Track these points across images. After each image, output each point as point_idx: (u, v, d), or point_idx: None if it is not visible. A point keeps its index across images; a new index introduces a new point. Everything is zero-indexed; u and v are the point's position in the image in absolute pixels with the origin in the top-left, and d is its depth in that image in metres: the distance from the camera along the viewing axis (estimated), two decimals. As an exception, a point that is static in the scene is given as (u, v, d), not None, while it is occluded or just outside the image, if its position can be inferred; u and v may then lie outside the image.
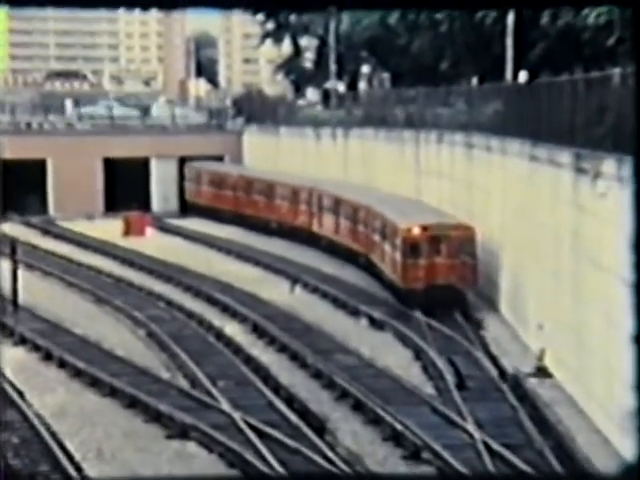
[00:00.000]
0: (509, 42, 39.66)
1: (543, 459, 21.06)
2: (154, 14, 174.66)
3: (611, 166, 22.34)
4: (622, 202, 21.71)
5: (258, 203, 52.48)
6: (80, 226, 55.29)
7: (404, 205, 39.36)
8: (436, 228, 33.72)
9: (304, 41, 72.04)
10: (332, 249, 43.72)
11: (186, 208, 61.07)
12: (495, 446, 21.56)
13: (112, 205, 60.05)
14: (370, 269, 38.80)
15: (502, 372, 27.02)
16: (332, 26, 59.11)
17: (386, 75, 62.88)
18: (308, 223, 47.15)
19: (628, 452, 20.70)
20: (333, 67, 59.05)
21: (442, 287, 32.95)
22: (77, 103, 75.55)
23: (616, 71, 23.15)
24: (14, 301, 34.41)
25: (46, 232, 54.10)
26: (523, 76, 36.57)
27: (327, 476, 18.37)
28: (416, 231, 33.75)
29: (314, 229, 46.44)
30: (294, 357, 28.89)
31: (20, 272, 35.82)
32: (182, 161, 62.37)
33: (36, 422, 23.59)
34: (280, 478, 19.83)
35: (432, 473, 20.26)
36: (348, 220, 41.90)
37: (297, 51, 72.57)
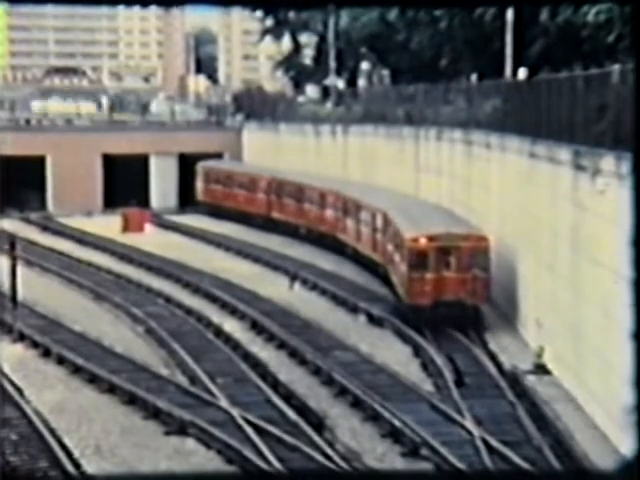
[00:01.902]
0: (508, 39, 39.61)
1: (542, 456, 21.08)
2: (154, 10, 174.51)
3: (610, 163, 22.33)
4: (621, 199, 21.70)
5: (288, 207, 49.31)
6: (79, 222, 55.26)
7: (421, 211, 36.01)
8: (445, 238, 30.64)
9: (304, 38, 71.96)
10: (356, 258, 40.70)
11: (185, 204, 60.86)
12: (494, 443, 21.58)
13: (111, 201, 60.02)
14: (387, 281, 35.53)
15: (501, 369, 27.00)
16: (331, 23, 59.07)
17: (385, 72, 62.83)
18: (334, 229, 43.98)
19: (626, 448, 20.71)
20: (332, 64, 59.01)
21: (451, 304, 30.00)
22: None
23: (615, 68, 23.12)
24: (13, 297, 34.39)
25: (45, 228, 54.08)
26: (522, 73, 36.51)
27: (326, 473, 18.36)
28: (423, 241, 30.73)
29: (339, 235, 43.25)
30: (293, 354, 28.89)
31: (19, 268, 35.80)
32: (182, 158, 62.25)
33: (35, 418, 23.58)
34: (279, 475, 19.80)
35: (431, 470, 20.23)
36: (368, 227, 38.85)
37: (297, 48, 72.49)
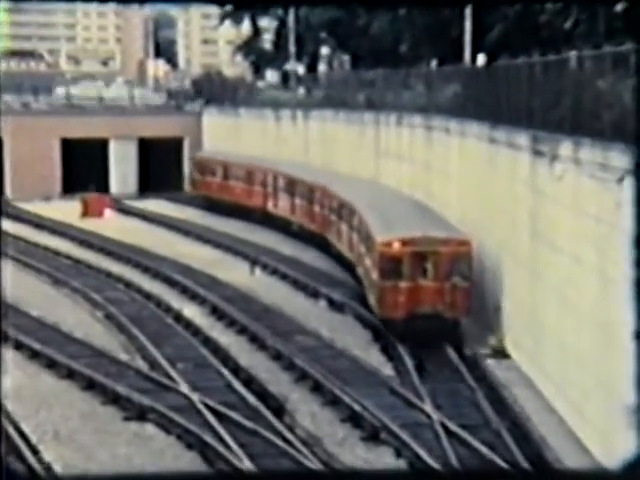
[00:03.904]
0: (467, 25, 39.73)
1: (500, 439, 21.29)
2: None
3: (568, 149, 22.52)
4: (579, 185, 21.91)
5: (281, 201, 45.95)
6: (37, 207, 54.82)
7: (398, 210, 32.83)
8: (421, 243, 27.57)
9: (263, 22, 71.76)
10: (339, 258, 37.34)
11: (145, 189, 60.44)
12: (452, 427, 21.75)
13: (70, 186, 59.56)
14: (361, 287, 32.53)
15: (461, 353, 27.17)
16: (291, 7, 58.91)
17: (346, 57, 62.84)
18: (321, 227, 40.50)
19: (581, 432, 20.98)
20: (293, 48, 58.89)
21: (427, 317, 27.18)
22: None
23: (573, 54, 23.30)
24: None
25: (2, 213, 53.53)
26: (481, 59, 36.67)
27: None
28: (396, 246, 27.62)
29: (326, 234, 39.62)
30: (253, 339, 28.90)
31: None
32: (141, 142, 61.85)
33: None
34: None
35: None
36: (347, 226, 35.62)
37: (256, 32, 72.25)
